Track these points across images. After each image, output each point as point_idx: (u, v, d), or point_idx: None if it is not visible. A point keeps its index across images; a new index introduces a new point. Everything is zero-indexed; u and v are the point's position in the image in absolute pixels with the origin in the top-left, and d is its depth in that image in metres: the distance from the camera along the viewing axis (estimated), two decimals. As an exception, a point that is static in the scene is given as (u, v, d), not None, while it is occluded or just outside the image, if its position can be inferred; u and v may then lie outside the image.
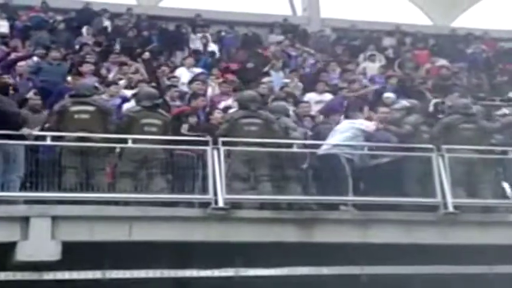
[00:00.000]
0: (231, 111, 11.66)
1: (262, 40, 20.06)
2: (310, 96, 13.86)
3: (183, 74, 15.23)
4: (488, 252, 10.55)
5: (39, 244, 8.93)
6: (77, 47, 16.86)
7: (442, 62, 17.96)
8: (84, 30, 18.10)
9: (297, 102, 13.29)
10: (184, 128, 11.13)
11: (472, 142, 11.04)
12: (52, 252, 8.94)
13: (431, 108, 13.38)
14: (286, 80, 15.03)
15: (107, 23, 18.89)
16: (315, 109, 13.43)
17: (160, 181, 9.92)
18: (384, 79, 16.26)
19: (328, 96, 13.79)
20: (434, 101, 13.88)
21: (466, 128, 11.18)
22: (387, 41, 20.88)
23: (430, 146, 10.89)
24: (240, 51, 18.55)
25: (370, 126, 10.99)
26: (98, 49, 16.55)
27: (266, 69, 16.31)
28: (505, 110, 12.59)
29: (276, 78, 15.62)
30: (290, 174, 10.52)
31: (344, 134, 10.83)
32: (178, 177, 10.13)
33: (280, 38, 19.63)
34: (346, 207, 10.47)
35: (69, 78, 13.39)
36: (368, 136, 10.91)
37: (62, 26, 18.08)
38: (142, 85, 12.83)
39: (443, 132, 11.15)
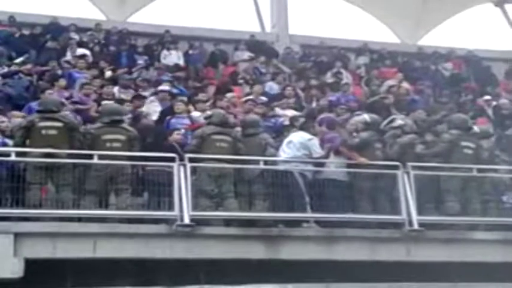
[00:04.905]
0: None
1: (228, 57, 20.03)
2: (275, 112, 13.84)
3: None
4: (452, 270, 10.64)
5: (2, 261, 8.87)
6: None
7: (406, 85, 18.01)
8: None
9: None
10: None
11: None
12: (14, 269, 8.87)
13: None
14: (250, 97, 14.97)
15: (75, 37, 18.75)
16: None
17: (127, 198, 9.88)
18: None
19: (291, 112, 13.76)
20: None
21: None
22: (361, 60, 21.01)
23: (396, 163, 10.98)
24: (207, 67, 18.60)
25: (318, 150, 11.05)
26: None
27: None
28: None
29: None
30: (256, 191, 10.52)
31: (300, 152, 10.92)
32: (146, 194, 10.12)
33: (247, 54, 19.63)
34: (307, 223, 10.51)
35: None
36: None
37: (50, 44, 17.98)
38: (106, 102, 12.73)
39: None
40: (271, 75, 18.11)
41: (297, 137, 11.23)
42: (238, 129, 11.51)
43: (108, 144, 10.11)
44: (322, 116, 12.72)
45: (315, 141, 11.14)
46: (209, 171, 10.26)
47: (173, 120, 12.54)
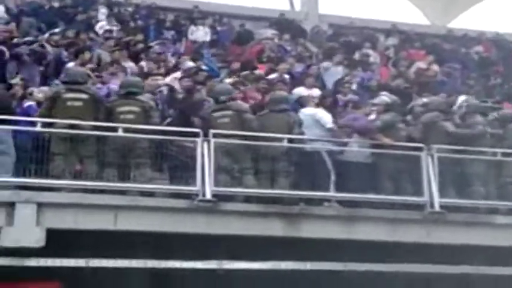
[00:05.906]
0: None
1: (254, 36, 19.89)
2: (299, 91, 13.76)
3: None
4: (472, 253, 10.60)
5: (24, 230, 8.94)
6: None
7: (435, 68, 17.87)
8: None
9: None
10: None
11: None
12: (36, 238, 8.95)
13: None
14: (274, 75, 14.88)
15: (103, 11, 18.80)
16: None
17: (146, 171, 9.90)
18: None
19: (316, 92, 13.65)
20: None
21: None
22: (390, 41, 20.84)
23: (421, 145, 10.92)
24: (233, 45, 18.54)
25: (328, 121, 11.01)
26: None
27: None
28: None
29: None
30: (279, 169, 10.51)
31: (317, 130, 10.92)
32: (167, 168, 10.16)
33: (270, 32, 19.52)
34: (328, 203, 10.50)
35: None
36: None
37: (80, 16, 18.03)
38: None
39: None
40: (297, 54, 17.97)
41: (302, 115, 11.13)
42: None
43: (122, 117, 10.10)
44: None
45: (321, 113, 11.12)
46: (222, 147, 10.19)
47: None
